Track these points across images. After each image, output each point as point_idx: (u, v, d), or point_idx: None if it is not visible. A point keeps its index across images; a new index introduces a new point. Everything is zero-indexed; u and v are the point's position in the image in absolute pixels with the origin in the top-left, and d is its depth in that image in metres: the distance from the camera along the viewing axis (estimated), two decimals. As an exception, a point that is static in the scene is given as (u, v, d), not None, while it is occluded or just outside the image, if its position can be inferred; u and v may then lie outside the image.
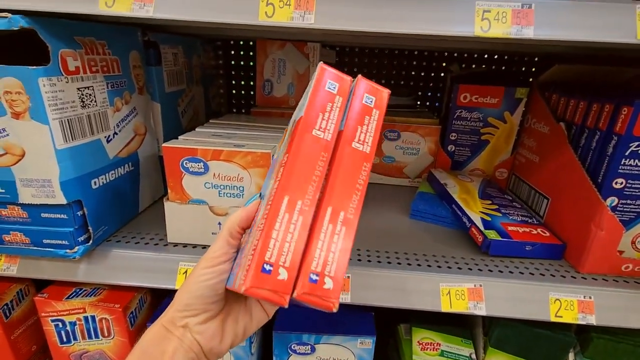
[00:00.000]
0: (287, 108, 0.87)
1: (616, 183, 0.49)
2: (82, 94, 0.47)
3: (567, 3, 0.38)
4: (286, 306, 0.28)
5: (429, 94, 1.03)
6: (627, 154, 0.48)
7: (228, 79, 1.03)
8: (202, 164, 0.49)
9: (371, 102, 0.32)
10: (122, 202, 0.58)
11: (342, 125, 0.31)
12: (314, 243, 0.28)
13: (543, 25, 0.38)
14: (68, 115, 0.45)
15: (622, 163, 0.48)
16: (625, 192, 0.49)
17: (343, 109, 0.32)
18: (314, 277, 0.28)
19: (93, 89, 0.49)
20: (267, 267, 0.27)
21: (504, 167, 0.79)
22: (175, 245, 0.54)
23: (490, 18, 0.37)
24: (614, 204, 0.50)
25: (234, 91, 1.05)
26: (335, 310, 0.28)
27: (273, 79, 0.87)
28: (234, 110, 1.07)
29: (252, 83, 1.03)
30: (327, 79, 0.31)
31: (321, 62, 0.33)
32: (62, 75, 0.44)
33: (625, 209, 0.50)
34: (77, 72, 0.46)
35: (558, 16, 0.38)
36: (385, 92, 0.33)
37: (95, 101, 0.50)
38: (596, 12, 0.38)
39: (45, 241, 0.48)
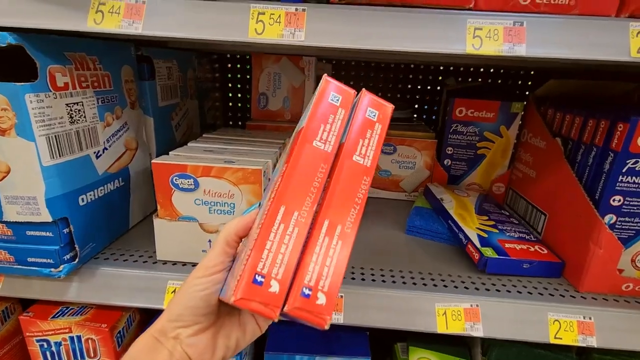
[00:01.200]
0: (282, 122, 0.87)
1: (614, 200, 0.48)
2: (71, 110, 0.47)
3: (559, 20, 0.38)
4: (276, 320, 0.27)
5: (425, 107, 1.02)
6: (624, 171, 0.47)
7: (223, 92, 1.03)
8: (192, 180, 0.48)
9: (374, 116, 0.32)
10: (112, 219, 0.57)
11: (343, 137, 0.31)
12: (309, 256, 0.28)
13: (535, 42, 0.37)
14: (56, 131, 0.45)
15: (619, 180, 0.47)
16: (623, 210, 0.48)
17: (345, 121, 0.31)
18: (307, 291, 0.27)
19: (82, 105, 0.48)
20: (259, 279, 0.26)
21: (501, 182, 0.78)
22: (165, 263, 0.52)
23: (482, 36, 0.37)
24: (612, 222, 0.49)
25: (229, 104, 1.05)
26: (327, 327, 0.27)
27: (268, 93, 0.87)
28: (230, 123, 1.07)
29: (247, 96, 1.03)
30: (331, 91, 0.31)
31: (325, 74, 0.32)
32: (50, 91, 0.43)
33: (624, 227, 0.49)
34: (66, 88, 0.46)
35: (550, 34, 0.37)
36: (389, 107, 0.32)
37: (85, 117, 0.49)
38: (589, 30, 0.38)
39: (30, 259, 0.47)
